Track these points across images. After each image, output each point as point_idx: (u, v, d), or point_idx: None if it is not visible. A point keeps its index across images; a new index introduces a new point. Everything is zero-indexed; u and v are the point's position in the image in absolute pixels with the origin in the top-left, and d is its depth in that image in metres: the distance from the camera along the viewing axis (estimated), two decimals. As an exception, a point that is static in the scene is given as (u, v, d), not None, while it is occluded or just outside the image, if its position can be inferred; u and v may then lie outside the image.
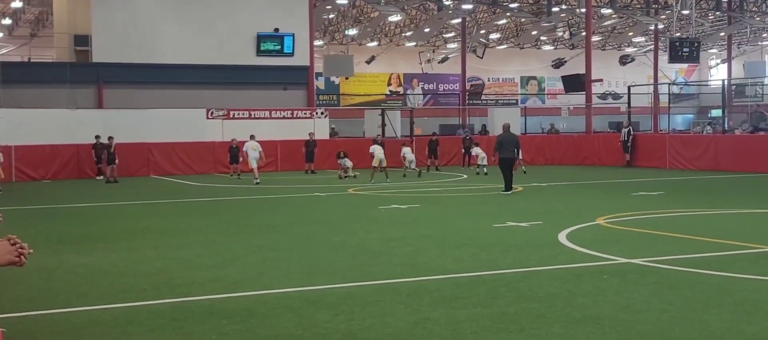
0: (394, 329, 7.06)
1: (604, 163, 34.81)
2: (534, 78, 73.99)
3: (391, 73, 68.92)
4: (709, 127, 47.23)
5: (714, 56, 75.59)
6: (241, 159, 29.45)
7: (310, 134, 32.68)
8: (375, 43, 65.90)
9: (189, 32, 35.55)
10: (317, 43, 53.56)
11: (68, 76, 33.07)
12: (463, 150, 35.33)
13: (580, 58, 53.05)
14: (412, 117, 39.64)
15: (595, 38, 60.64)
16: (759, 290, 8.55)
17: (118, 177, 28.49)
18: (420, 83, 69.68)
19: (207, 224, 15.51)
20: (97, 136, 29.71)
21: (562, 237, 12.47)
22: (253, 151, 27.20)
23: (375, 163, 26.33)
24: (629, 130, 34.35)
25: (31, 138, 29.15)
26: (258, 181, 25.94)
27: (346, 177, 27.41)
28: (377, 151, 26.89)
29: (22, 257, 3.70)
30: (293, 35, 36.94)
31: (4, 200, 21.23)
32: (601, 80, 46.93)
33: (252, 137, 28.13)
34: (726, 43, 63.15)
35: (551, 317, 7.43)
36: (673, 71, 67.32)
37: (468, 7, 52.03)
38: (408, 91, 68.72)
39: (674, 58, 40.20)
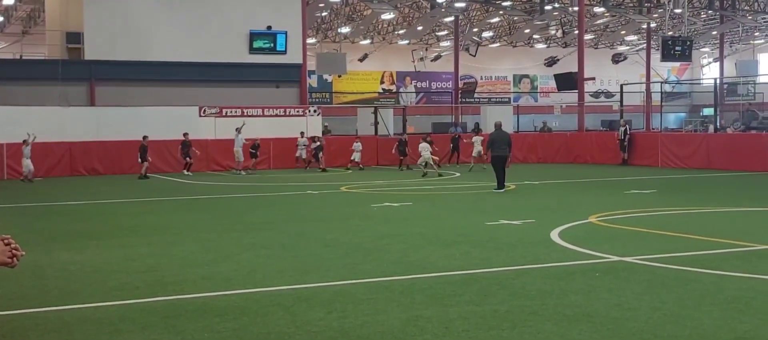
0: (387, 327, 7.07)
1: (597, 161, 34.88)
2: (527, 76, 74.05)
3: (384, 71, 68.89)
4: (710, 127, 47.20)
5: (706, 55, 75.72)
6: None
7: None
8: (368, 41, 65.85)
9: (181, 30, 35.48)
10: (310, 40, 53.49)
11: (60, 73, 32.96)
12: (451, 147, 35.30)
13: (572, 57, 53.15)
14: (405, 115, 39.67)
15: (587, 37, 60.66)
16: (750, 287, 8.58)
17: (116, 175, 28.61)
18: (413, 81, 69.67)
19: (199, 221, 15.50)
20: (185, 134, 30.55)
21: (555, 235, 12.49)
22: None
23: (421, 162, 27.36)
24: (626, 129, 34.41)
25: (23, 136, 28.97)
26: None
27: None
28: (423, 150, 28.09)
29: (15, 258, 3.69)
30: (286, 33, 36.89)
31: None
32: (593, 79, 47.01)
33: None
34: (718, 41, 63.30)
35: (543, 314, 7.44)
36: (665, 70, 67.44)
37: (461, 5, 52.04)
38: (401, 90, 68.71)
39: (666, 56, 40.24)
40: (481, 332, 6.92)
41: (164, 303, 8.20)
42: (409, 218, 15.60)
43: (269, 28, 36.80)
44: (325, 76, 60.98)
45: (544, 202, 18.53)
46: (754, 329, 6.92)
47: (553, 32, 65.87)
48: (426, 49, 67.45)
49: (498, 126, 22.06)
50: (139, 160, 28.98)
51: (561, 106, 51.83)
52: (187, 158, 30.41)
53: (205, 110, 33.71)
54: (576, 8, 44.15)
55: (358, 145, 32.87)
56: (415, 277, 9.36)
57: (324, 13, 57.71)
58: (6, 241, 3.70)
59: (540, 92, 72.65)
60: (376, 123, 37.32)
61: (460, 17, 57.68)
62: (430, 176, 27.37)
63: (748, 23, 59.91)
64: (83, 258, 11.06)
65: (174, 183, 26.30)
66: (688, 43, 40.78)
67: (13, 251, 3.68)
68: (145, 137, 29.37)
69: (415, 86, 69.72)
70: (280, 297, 8.35)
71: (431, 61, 67.48)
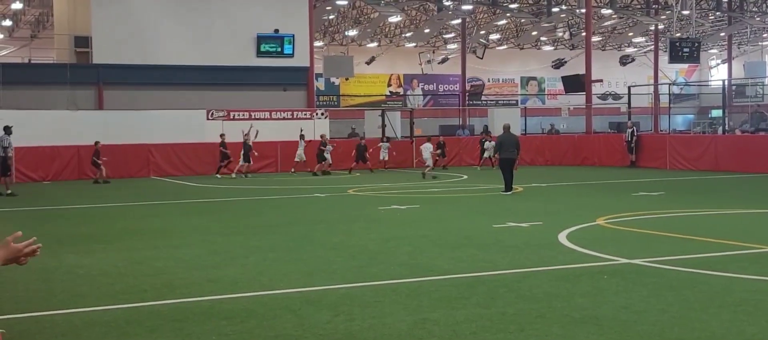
0: (394, 330, 7.06)
1: (605, 163, 34.81)
2: (534, 78, 73.99)
3: (391, 74, 68.94)
4: (719, 128, 47.09)
5: (714, 56, 75.59)
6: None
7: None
8: (375, 44, 65.91)
9: (189, 33, 35.55)
10: (317, 44, 53.56)
11: (68, 77, 33.05)
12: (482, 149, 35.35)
13: (580, 59, 53.04)
14: (412, 118, 39.63)
15: (595, 38, 60.62)
16: (759, 290, 8.55)
17: (112, 178, 28.64)
18: (420, 84, 69.70)
19: (206, 224, 15.50)
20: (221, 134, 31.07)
21: (562, 237, 12.46)
22: None
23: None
24: (633, 131, 34.35)
25: (32, 139, 29.08)
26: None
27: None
28: (424, 150, 29.03)
29: (26, 257, 3.73)
30: (293, 36, 36.94)
31: (3, 202, 21.27)
32: (601, 81, 46.96)
33: None
34: (726, 43, 63.16)
35: (550, 317, 7.42)
36: (673, 71, 67.34)
37: (468, 7, 52.04)
38: (408, 92, 68.75)
39: (674, 58, 40.20)
40: (488, 334, 6.90)
41: (171, 306, 8.20)
42: (415, 220, 15.58)
43: (276, 31, 36.85)
44: (333, 79, 61.07)
45: (551, 204, 18.49)
46: (762, 332, 6.89)
47: (560, 34, 65.80)
48: (433, 52, 67.49)
49: (506, 129, 22.06)
50: (93, 164, 28.77)
51: (568, 108, 51.77)
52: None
53: (212, 114, 33.76)
54: (583, 10, 44.09)
55: (328, 147, 32.42)
56: (422, 280, 9.34)
57: (331, 17, 57.78)
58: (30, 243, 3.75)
59: (547, 94, 72.61)
60: (384, 126, 37.30)
61: (467, 20, 57.68)
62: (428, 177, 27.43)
63: (757, 25, 59.77)
64: (90, 261, 11.08)
65: (178, 186, 26.34)
66: (696, 44, 40.73)
67: (34, 251, 3.74)
68: (97, 143, 29.09)
69: (423, 89, 69.75)
70: (287, 300, 8.35)
71: (438, 63, 67.50)
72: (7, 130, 23.91)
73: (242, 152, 30.45)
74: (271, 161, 33.29)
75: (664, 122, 46.73)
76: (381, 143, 34.69)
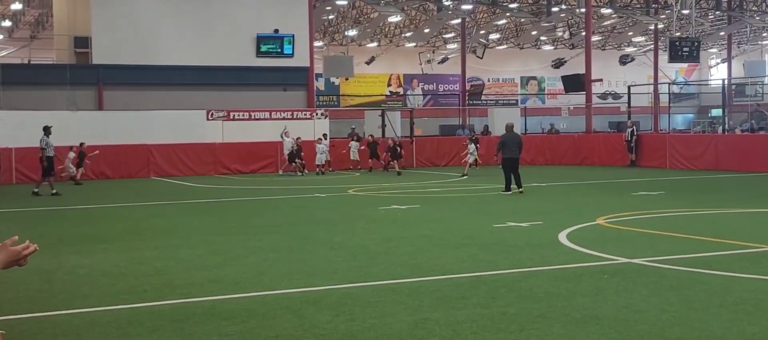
0: (394, 330, 7.06)
1: (605, 163, 34.82)
2: (534, 78, 74.00)
3: (391, 74, 68.93)
4: (719, 128, 47.01)
5: (714, 56, 75.59)
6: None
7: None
8: (375, 44, 65.92)
9: (189, 33, 35.55)
10: (317, 44, 53.55)
11: (68, 77, 33.04)
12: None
13: (580, 58, 53.06)
14: (412, 118, 39.64)
15: (594, 38, 60.63)
16: (760, 289, 8.55)
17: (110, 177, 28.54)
18: (420, 84, 69.69)
19: (207, 224, 15.51)
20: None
21: (562, 237, 12.47)
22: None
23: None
24: (633, 131, 34.36)
25: (32, 140, 28.95)
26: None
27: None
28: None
29: (25, 258, 3.74)
30: (293, 36, 36.94)
31: (4, 202, 21.28)
32: (601, 80, 46.98)
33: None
34: (726, 42, 63.18)
35: (551, 317, 7.43)
36: (673, 71, 67.37)
37: (468, 7, 52.05)
38: (408, 92, 68.75)
39: (674, 57, 40.20)
40: (489, 334, 6.91)
41: (172, 306, 8.21)
42: (416, 220, 15.59)
43: (276, 31, 36.86)
44: (333, 79, 61.06)
45: (551, 204, 18.50)
46: (763, 332, 6.90)
47: (560, 34, 65.83)
48: (433, 52, 67.50)
49: (509, 128, 21.97)
50: (77, 166, 29.12)
51: (568, 107, 51.80)
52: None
53: (212, 114, 33.76)
54: (583, 10, 44.11)
55: (320, 147, 32.45)
56: (423, 279, 9.35)
57: (331, 16, 57.79)
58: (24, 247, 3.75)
59: (547, 94, 72.62)
60: (384, 126, 37.31)
61: (467, 19, 57.67)
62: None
63: (756, 24, 59.78)
64: (91, 262, 11.08)
65: (179, 186, 26.34)
66: (696, 44, 40.72)
67: (30, 250, 3.74)
68: (82, 144, 29.35)
69: (423, 89, 69.76)
70: (288, 300, 8.35)
71: (438, 63, 67.51)
72: (47, 130, 23.99)
73: (292, 154, 31.54)
74: (271, 162, 33.29)
75: (664, 122, 46.72)
76: (351, 142, 34.85)
